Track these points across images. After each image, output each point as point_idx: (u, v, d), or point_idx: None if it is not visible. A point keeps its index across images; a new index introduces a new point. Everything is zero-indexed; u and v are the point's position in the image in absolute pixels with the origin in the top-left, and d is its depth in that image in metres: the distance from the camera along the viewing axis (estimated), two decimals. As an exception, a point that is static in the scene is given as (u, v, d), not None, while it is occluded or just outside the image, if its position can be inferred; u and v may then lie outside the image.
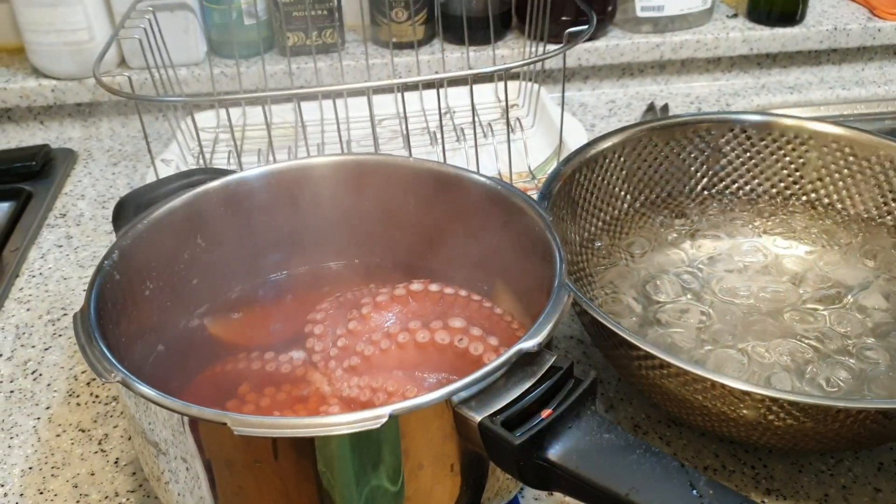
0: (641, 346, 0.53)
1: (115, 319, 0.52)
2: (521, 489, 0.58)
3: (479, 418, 0.43)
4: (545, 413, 0.44)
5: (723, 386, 0.51)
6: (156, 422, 0.45)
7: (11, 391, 0.68)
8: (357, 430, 0.41)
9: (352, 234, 0.65)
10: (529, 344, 0.45)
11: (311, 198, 0.62)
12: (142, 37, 0.89)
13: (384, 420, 0.41)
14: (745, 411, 0.52)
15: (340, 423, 0.41)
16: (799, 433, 0.53)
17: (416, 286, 0.62)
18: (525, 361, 0.45)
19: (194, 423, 0.43)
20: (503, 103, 1.05)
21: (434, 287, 0.61)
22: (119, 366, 0.45)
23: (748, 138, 0.76)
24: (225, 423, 0.41)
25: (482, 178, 0.59)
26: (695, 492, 0.40)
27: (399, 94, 1.04)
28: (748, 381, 0.53)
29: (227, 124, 1.00)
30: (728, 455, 0.60)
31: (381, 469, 0.44)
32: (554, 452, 0.42)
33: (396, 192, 0.62)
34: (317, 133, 0.98)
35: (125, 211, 0.60)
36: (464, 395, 0.44)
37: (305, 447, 0.43)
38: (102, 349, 0.46)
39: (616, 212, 0.75)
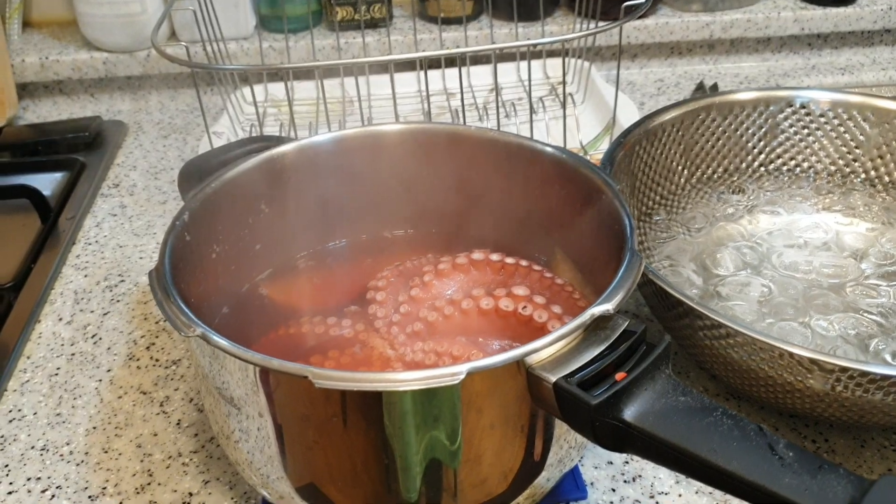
0: (710, 316, 0.52)
1: (185, 280, 0.53)
2: (581, 458, 0.58)
3: (553, 379, 0.43)
4: (619, 376, 0.43)
5: (791, 355, 0.51)
6: (231, 377, 0.46)
7: (73, 354, 0.69)
8: (436, 385, 0.41)
9: (412, 203, 0.65)
10: (604, 308, 0.45)
11: (376, 166, 0.62)
12: (196, 8, 0.89)
13: (462, 376, 0.41)
14: (812, 381, 0.52)
15: (422, 377, 0.42)
16: (867, 405, 0.52)
17: (477, 255, 0.62)
18: (599, 325, 0.45)
19: (274, 376, 0.43)
20: (551, 80, 1.05)
21: (495, 256, 0.62)
22: (197, 320, 0.45)
23: (807, 114, 0.75)
24: (306, 377, 0.41)
25: (549, 148, 0.59)
26: (775, 454, 0.40)
27: (445, 69, 1.04)
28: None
29: (275, 98, 1.01)
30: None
31: (455, 427, 0.44)
32: (630, 413, 0.42)
33: (460, 161, 0.62)
34: (364, 108, 0.98)
35: (190, 176, 0.61)
36: (538, 356, 0.44)
37: (382, 401, 0.43)
38: (180, 304, 0.46)
39: (673, 186, 0.74)
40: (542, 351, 0.44)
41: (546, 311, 0.56)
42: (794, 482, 0.38)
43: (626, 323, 0.46)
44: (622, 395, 0.42)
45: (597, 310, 0.45)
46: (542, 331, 0.55)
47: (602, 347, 0.44)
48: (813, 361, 0.50)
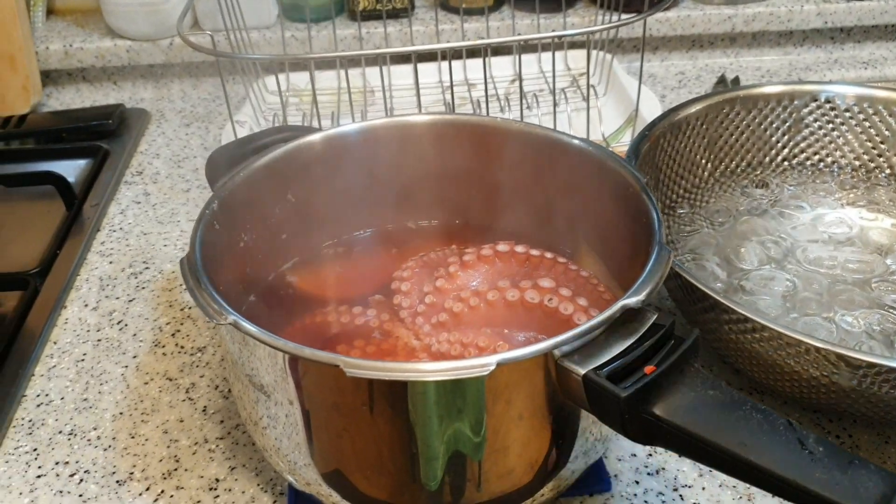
0: (737, 310, 0.52)
1: (213, 268, 0.53)
2: (605, 452, 0.58)
3: (583, 371, 0.43)
4: (648, 369, 0.44)
5: (818, 350, 0.51)
6: (261, 365, 0.46)
7: (99, 340, 0.70)
8: (467, 375, 0.42)
9: (437, 194, 0.65)
10: (633, 300, 0.45)
11: (402, 156, 0.63)
12: (220, -2, 0.89)
13: (492, 367, 0.42)
14: (837, 377, 0.52)
15: (452, 368, 0.42)
16: (893, 402, 0.52)
17: (502, 247, 0.62)
18: (628, 318, 0.45)
19: (304, 364, 0.44)
20: (572, 72, 1.05)
21: (520, 248, 0.62)
22: (229, 308, 0.46)
23: (832, 109, 0.75)
24: (337, 366, 0.42)
25: (576, 140, 0.59)
26: (805, 449, 0.40)
27: (466, 60, 1.04)
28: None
29: (296, 88, 1.01)
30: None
31: (482, 418, 0.45)
32: (659, 407, 0.42)
33: (487, 153, 0.63)
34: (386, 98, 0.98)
35: (218, 164, 0.61)
36: (567, 348, 0.44)
37: (412, 391, 0.43)
38: (212, 292, 0.47)
39: (697, 180, 0.74)
40: (571, 343, 0.44)
41: (572, 303, 0.56)
42: (824, 477, 0.38)
43: (655, 316, 0.46)
44: (651, 389, 0.43)
45: (627, 302, 0.45)
46: (567, 323, 0.56)
47: (631, 340, 0.45)
48: (840, 357, 0.51)
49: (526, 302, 0.57)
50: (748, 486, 0.55)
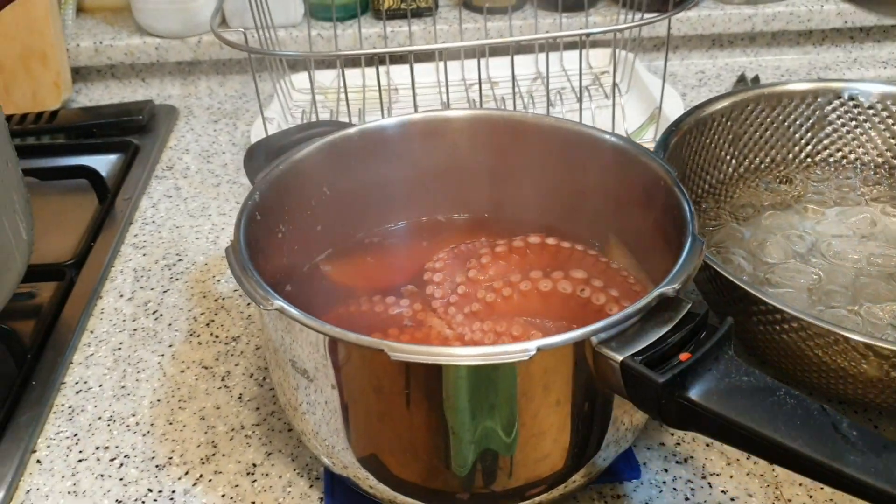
0: (767, 301, 0.53)
1: (255, 258, 0.54)
2: (635, 439, 0.59)
3: (620, 357, 0.44)
4: (683, 356, 0.45)
5: (846, 340, 0.52)
6: (303, 350, 0.47)
7: (135, 329, 0.71)
8: (508, 360, 0.43)
9: (469, 188, 0.67)
10: (669, 289, 0.46)
11: (436, 151, 0.64)
12: (249, -4, 0.91)
13: (532, 352, 0.43)
14: (866, 367, 0.53)
15: (494, 353, 0.43)
16: (919, 392, 0.53)
17: (533, 239, 0.63)
18: (663, 306, 0.46)
19: (349, 348, 0.45)
20: (594, 70, 1.06)
21: (551, 241, 0.63)
22: (276, 294, 0.47)
23: (856, 106, 0.76)
24: (382, 350, 0.43)
25: (608, 136, 0.61)
26: (839, 433, 0.41)
27: (489, 58, 1.05)
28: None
29: (321, 85, 1.03)
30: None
31: (517, 404, 0.46)
32: (695, 393, 0.43)
33: (519, 148, 0.64)
34: (410, 95, 1.00)
35: (256, 157, 0.63)
36: (604, 335, 0.45)
37: (454, 376, 0.44)
38: (258, 279, 0.48)
39: (722, 175, 0.75)
40: (608, 330, 0.45)
41: (604, 294, 0.57)
42: (858, 460, 0.39)
43: (690, 305, 0.47)
44: (687, 375, 0.44)
45: (664, 290, 0.46)
46: (600, 313, 0.57)
47: (667, 328, 0.46)
48: (868, 347, 0.52)
49: (559, 292, 0.58)
50: (776, 474, 0.57)
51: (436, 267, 0.63)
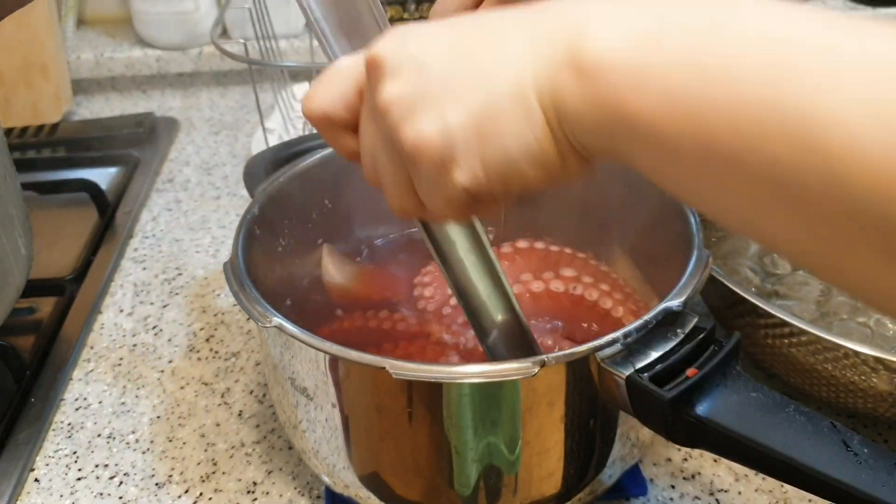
0: (776, 314, 0.53)
1: (254, 272, 0.54)
2: (642, 456, 0.58)
3: (626, 373, 0.43)
4: (690, 372, 0.44)
5: (856, 354, 0.51)
6: (303, 368, 0.47)
7: (135, 345, 0.70)
8: (514, 377, 0.42)
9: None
10: (675, 303, 0.46)
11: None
12: (251, 6, 0.90)
13: (536, 370, 0.42)
14: (875, 381, 0.52)
15: (497, 371, 0.42)
16: (931, 405, 0.52)
17: (522, 244, 0.63)
18: (669, 321, 0.46)
19: (350, 366, 0.44)
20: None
21: (539, 245, 0.63)
22: (274, 311, 0.46)
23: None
24: (383, 368, 0.42)
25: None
26: (850, 450, 0.40)
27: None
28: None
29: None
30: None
31: (527, 419, 0.45)
32: (703, 409, 0.42)
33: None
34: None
35: (256, 169, 0.62)
36: (609, 351, 0.44)
37: (454, 394, 0.44)
38: (256, 295, 0.47)
39: (727, 185, 0.74)
40: (613, 346, 0.44)
41: (596, 289, 0.57)
42: (870, 478, 0.38)
43: (696, 319, 0.46)
44: (694, 391, 0.43)
45: (669, 304, 0.45)
46: (594, 308, 0.56)
47: (673, 343, 0.45)
48: (879, 360, 0.51)
49: (551, 292, 0.58)
50: (784, 490, 0.56)
51: (424, 281, 0.62)
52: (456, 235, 0.46)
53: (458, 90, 0.33)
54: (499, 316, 0.49)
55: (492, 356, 0.50)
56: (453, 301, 0.60)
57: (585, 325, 0.57)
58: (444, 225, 0.46)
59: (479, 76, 0.33)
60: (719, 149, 0.28)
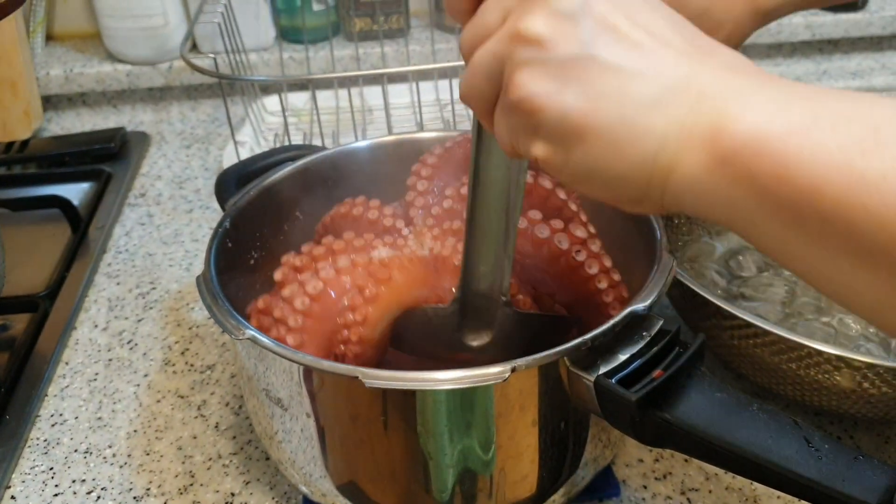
0: (739, 315, 0.54)
1: (227, 285, 0.54)
2: (614, 458, 0.59)
3: (593, 377, 0.44)
4: (657, 373, 0.45)
5: (819, 353, 0.52)
6: (278, 379, 0.47)
7: (110, 360, 0.70)
8: (484, 383, 0.43)
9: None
10: (640, 306, 0.47)
11: (408, 172, 0.64)
12: (220, 21, 0.91)
13: (507, 375, 0.43)
14: (839, 379, 0.53)
15: (469, 376, 0.43)
16: (892, 402, 0.54)
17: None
18: (635, 324, 0.47)
19: (323, 377, 0.45)
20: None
21: (547, 183, 0.58)
22: (247, 323, 0.47)
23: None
24: (356, 377, 0.43)
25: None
26: (811, 446, 0.41)
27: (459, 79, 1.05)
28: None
29: (294, 108, 1.03)
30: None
31: (500, 423, 0.46)
32: (669, 410, 0.43)
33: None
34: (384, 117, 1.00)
35: (227, 183, 0.62)
36: (576, 355, 0.45)
37: (432, 399, 0.44)
38: (229, 308, 0.48)
39: (693, 190, 0.76)
40: (580, 350, 0.45)
41: (597, 262, 0.54)
42: (831, 472, 0.40)
43: (661, 322, 0.47)
44: (661, 392, 0.44)
45: (635, 307, 0.47)
46: (586, 284, 0.55)
47: (639, 346, 0.46)
48: (840, 359, 0.52)
49: (553, 246, 0.55)
50: (754, 488, 0.57)
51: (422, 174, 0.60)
52: (499, 159, 0.45)
53: (595, 81, 0.33)
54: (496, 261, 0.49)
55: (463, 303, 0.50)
56: (447, 204, 0.58)
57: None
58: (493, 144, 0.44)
59: (619, 87, 0.33)
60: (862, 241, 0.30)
